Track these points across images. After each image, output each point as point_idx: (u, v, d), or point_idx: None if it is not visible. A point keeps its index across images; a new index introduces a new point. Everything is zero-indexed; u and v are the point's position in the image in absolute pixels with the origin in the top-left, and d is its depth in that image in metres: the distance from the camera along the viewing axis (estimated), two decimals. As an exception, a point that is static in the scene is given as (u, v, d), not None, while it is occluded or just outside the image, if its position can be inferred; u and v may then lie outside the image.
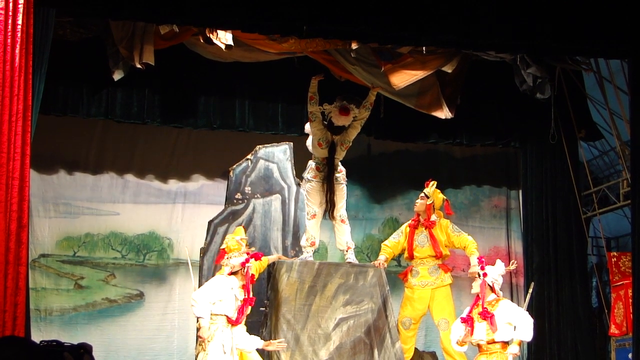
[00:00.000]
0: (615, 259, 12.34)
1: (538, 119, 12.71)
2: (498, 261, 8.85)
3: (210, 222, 10.74)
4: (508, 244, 13.69)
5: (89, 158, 12.45)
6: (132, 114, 11.83)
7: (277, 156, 11.11)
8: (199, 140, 12.76)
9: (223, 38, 10.43)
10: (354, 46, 10.85)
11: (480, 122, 12.91)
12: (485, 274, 8.59)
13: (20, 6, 7.84)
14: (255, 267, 8.88)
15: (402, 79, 11.39)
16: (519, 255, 13.24)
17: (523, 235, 13.35)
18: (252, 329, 8.80)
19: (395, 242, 10.17)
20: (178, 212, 12.73)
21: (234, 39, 10.49)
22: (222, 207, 10.93)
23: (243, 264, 8.54)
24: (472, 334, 8.45)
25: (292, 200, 11.02)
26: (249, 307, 8.59)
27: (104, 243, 12.43)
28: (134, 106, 11.79)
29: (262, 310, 9.59)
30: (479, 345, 8.49)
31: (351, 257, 9.88)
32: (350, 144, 9.96)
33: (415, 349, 10.26)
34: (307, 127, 10.03)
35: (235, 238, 8.99)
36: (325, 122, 9.76)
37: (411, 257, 10.11)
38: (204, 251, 10.57)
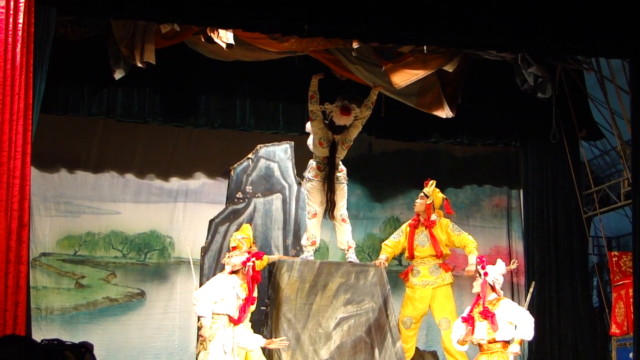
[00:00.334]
0: (616, 258, 12.33)
1: (539, 119, 12.71)
2: (499, 260, 8.84)
3: (211, 221, 10.74)
4: (509, 244, 13.68)
5: (90, 157, 12.45)
6: (133, 113, 11.83)
7: (278, 155, 11.11)
8: (200, 139, 12.76)
9: (224, 37, 10.43)
10: (355, 45, 10.85)
11: (481, 121, 12.92)
12: (486, 273, 8.58)
13: (21, 5, 7.84)
14: (257, 266, 8.88)
15: (403, 78, 11.39)
16: (519, 254, 13.24)
17: (524, 235, 13.35)
18: (253, 328, 8.81)
19: (395, 241, 10.17)
20: (179, 210, 12.73)
21: (235, 38, 10.49)
22: (223, 206, 10.93)
23: (244, 263, 8.54)
24: (472, 333, 8.44)
25: (293, 200, 11.02)
26: (252, 306, 8.59)
27: (105, 242, 12.43)
28: (134, 105, 11.80)
29: (262, 310, 9.60)
30: (479, 345, 8.48)
31: (352, 256, 9.89)
32: (351, 143, 9.97)
33: (416, 348, 10.26)
34: (308, 126, 10.03)
35: (238, 237, 9.02)
36: (326, 121, 9.76)
37: (412, 256, 10.11)
38: (204, 250, 10.57)
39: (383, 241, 10.50)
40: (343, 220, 9.93)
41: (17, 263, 7.60)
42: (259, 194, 10.93)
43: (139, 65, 10.66)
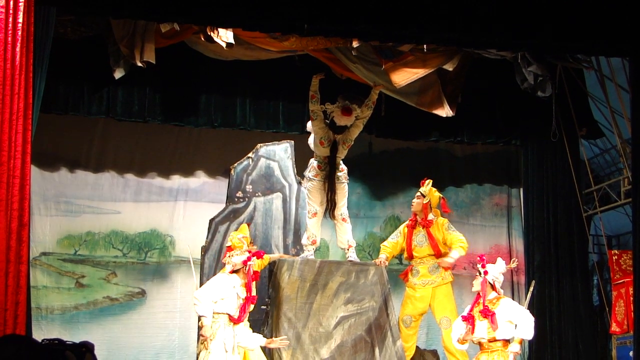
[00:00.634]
0: (616, 257, 12.33)
1: (539, 117, 12.69)
2: (499, 259, 8.83)
3: (211, 221, 10.74)
4: (509, 242, 13.68)
5: (90, 156, 12.44)
6: (133, 112, 11.83)
7: (278, 154, 11.11)
8: (200, 139, 12.76)
9: (224, 36, 10.43)
10: (355, 44, 10.86)
11: (482, 120, 12.92)
12: (486, 272, 8.57)
13: (21, 4, 7.84)
14: (257, 265, 8.88)
15: (403, 77, 11.38)
16: (520, 253, 13.23)
17: (524, 234, 13.34)
18: (254, 327, 8.80)
19: (393, 242, 10.18)
20: (179, 210, 12.73)
21: (235, 37, 10.49)
22: (224, 205, 10.93)
23: (245, 262, 8.54)
24: (473, 332, 8.44)
25: (293, 199, 11.01)
26: (252, 305, 8.59)
27: (105, 241, 12.43)
28: (135, 104, 11.79)
29: (263, 309, 9.59)
30: (480, 344, 8.48)
31: (352, 255, 9.89)
32: (352, 143, 9.96)
33: (417, 347, 10.26)
34: (309, 125, 10.03)
35: (238, 236, 8.99)
36: (327, 121, 9.76)
37: (410, 257, 10.11)
38: (205, 249, 10.57)
39: (383, 240, 10.50)
40: (343, 219, 9.93)
41: (17, 262, 7.60)
42: (259, 193, 10.93)
43: (139, 64, 10.66)
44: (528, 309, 8.66)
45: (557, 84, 12.25)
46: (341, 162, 9.91)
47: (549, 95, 11.90)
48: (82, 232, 12.33)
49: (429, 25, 9.28)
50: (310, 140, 10.02)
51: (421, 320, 10.26)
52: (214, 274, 9.32)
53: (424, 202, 10.04)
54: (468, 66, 12.00)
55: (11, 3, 7.79)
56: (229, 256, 8.66)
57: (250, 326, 8.60)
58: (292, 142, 11.24)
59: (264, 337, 8.60)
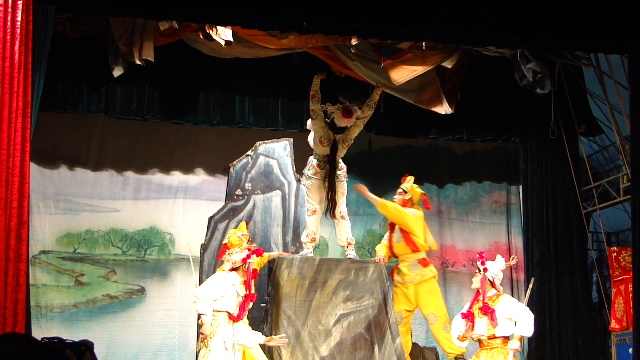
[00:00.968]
0: (615, 254, 12.32)
1: (538, 115, 12.68)
2: (499, 257, 8.85)
3: (210, 219, 10.73)
4: (508, 240, 13.67)
5: (89, 155, 12.44)
6: (133, 110, 11.82)
7: (277, 152, 11.10)
8: (200, 137, 12.76)
9: (223, 34, 10.42)
10: (354, 42, 10.85)
11: (481, 117, 12.91)
12: (485, 270, 8.59)
13: (20, 3, 7.83)
14: (257, 263, 8.88)
15: (403, 74, 11.37)
16: (519, 250, 13.23)
17: (523, 231, 13.34)
18: (253, 325, 8.80)
19: (385, 243, 10.26)
20: (179, 207, 12.73)
21: (233, 35, 10.48)
22: (223, 204, 10.92)
23: (244, 260, 8.54)
24: (473, 329, 8.45)
25: (292, 197, 11.01)
26: (251, 303, 8.59)
27: (105, 240, 12.43)
28: (134, 103, 11.79)
29: (262, 307, 9.58)
30: (479, 341, 8.49)
31: (352, 253, 9.88)
32: (352, 142, 9.96)
33: (416, 344, 10.27)
34: (309, 123, 10.02)
35: (237, 234, 8.99)
36: (327, 120, 9.75)
37: (393, 255, 10.13)
38: (204, 247, 10.56)
39: (383, 238, 10.51)
40: (342, 217, 9.92)
41: (16, 261, 7.60)
42: (259, 191, 10.92)
43: (138, 62, 10.65)
44: (528, 306, 8.67)
45: (556, 82, 12.24)
46: (341, 160, 9.91)
47: (548, 92, 11.88)
48: (81, 230, 12.33)
49: (428, 23, 9.27)
50: (310, 138, 10.01)
51: (412, 317, 10.21)
52: (214, 272, 9.31)
53: (406, 198, 10.06)
54: (467, 64, 12.00)
55: (10, 1, 7.78)
56: (229, 254, 8.66)
57: (249, 324, 8.60)
58: (292, 140, 11.23)
59: (263, 335, 8.60)
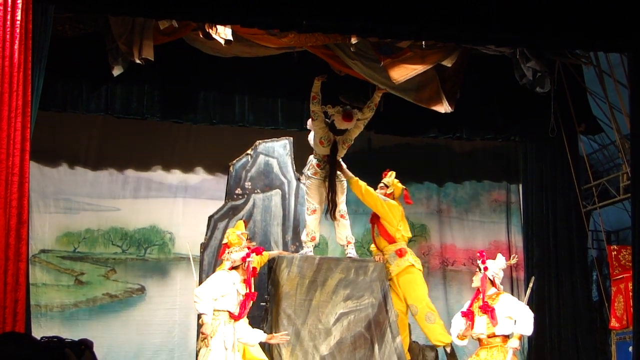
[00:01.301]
0: (615, 252, 12.31)
1: (538, 113, 12.68)
2: (499, 255, 8.84)
3: (210, 218, 10.72)
4: (508, 238, 13.68)
5: (88, 154, 12.46)
6: (132, 109, 11.82)
7: (277, 151, 11.10)
8: (199, 136, 12.77)
9: (222, 33, 10.41)
10: (354, 41, 10.83)
11: (480, 116, 12.90)
12: (486, 268, 8.59)
13: (19, 2, 7.82)
14: (256, 261, 8.88)
15: (402, 73, 11.35)
16: (519, 249, 13.23)
17: (523, 230, 13.34)
18: (253, 323, 8.80)
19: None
20: (179, 206, 12.74)
21: (233, 34, 10.47)
22: (223, 202, 10.91)
23: (244, 259, 8.53)
24: (472, 327, 8.46)
25: (292, 195, 11.01)
26: (251, 302, 8.59)
27: (104, 238, 12.44)
28: (133, 102, 11.79)
29: (262, 305, 9.59)
30: (479, 339, 8.49)
31: (351, 251, 9.88)
32: (352, 142, 9.97)
33: (417, 343, 10.25)
34: (309, 123, 10.02)
35: (236, 232, 8.98)
36: (327, 120, 9.75)
37: (377, 249, 10.14)
38: (204, 246, 10.55)
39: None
40: (342, 215, 9.92)
41: (16, 260, 7.60)
42: (258, 190, 10.92)
43: (138, 61, 10.63)
44: (527, 304, 8.66)
45: (555, 80, 12.23)
46: (340, 159, 9.91)
47: (547, 91, 11.87)
48: (81, 229, 12.35)
49: (428, 22, 9.27)
50: (310, 137, 10.02)
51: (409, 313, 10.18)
52: (213, 271, 9.30)
53: (387, 192, 10.08)
54: (466, 62, 11.97)
55: (9, 0, 7.78)
56: (228, 252, 8.65)
57: (249, 323, 8.59)
58: (291, 138, 11.23)
59: (264, 333, 8.60)
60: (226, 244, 8.88)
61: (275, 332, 8.79)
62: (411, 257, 9.99)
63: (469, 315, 8.52)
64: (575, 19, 9.26)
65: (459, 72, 11.99)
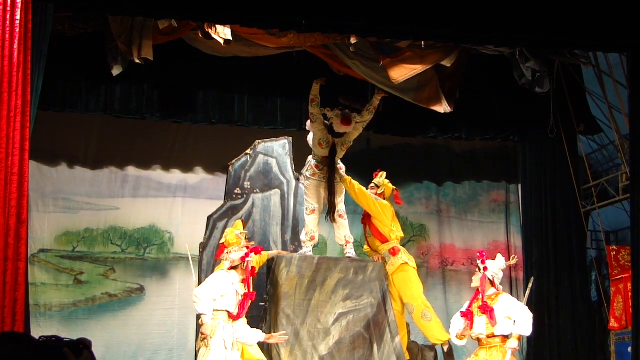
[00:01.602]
0: (614, 252, 12.32)
1: (537, 113, 12.68)
2: (499, 255, 8.83)
3: (209, 217, 10.71)
4: (507, 239, 13.68)
5: (88, 153, 12.46)
6: (131, 109, 11.80)
7: (276, 151, 11.09)
8: (198, 135, 12.76)
9: (222, 33, 10.40)
10: (353, 40, 10.83)
11: (479, 116, 12.89)
12: (485, 268, 8.58)
13: (19, 1, 7.83)
14: (256, 261, 8.87)
15: (401, 73, 11.35)
16: (518, 249, 13.24)
17: (522, 230, 13.34)
18: (252, 324, 8.79)
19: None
20: (178, 206, 12.75)
21: (232, 33, 10.47)
22: (222, 202, 10.91)
23: (243, 259, 8.51)
24: (471, 327, 8.45)
25: (291, 195, 11.00)
26: (250, 302, 8.58)
27: (104, 238, 12.44)
28: (132, 101, 11.77)
29: (261, 305, 9.58)
30: (478, 339, 8.49)
31: (350, 251, 9.88)
32: (351, 144, 9.97)
33: (416, 343, 10.25)
34: (308, 124, 10.01)
35: (235, 232, 8.97)
36: (327, 122, 9.75)
37: (371, 249, 10.13)
38: (203, 246, 10.54)
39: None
40: (340, 215, 9.92)
41: (15, 260, 7.60)
42: (258, 190, 10.91)
43: (137, 61, 10.62)
44: (527, 305, 8.66)
45: (555, 80, 12.23)
46: (339, 160, 9.91)
47: (546, 91, 11.88)
48: (80, 228, 12.34)
49: (427, 22, 9.27)
50: (309, 138, 10.02)
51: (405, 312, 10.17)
52: (212, 271, 9.28)
53: (378, 192, 10.07)
54: (466, 62, 11.97)
55: (9, 0, 7.77)
56: (227, 252, 8.63)
57: (247, 323, 8.58)
58: (290, 138, 11.22)
59: (262, 332, 8.59)
60: (223, 243, 8.87)
61: (274, 332, 8.78)
62: (404, 255, 9.97)
63: (468, 315, 8.51)
64: (575, 19, 9.27)
65: (458, 72, 11.99)
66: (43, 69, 8.36)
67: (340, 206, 9.94)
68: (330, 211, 9.78)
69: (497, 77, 12.50)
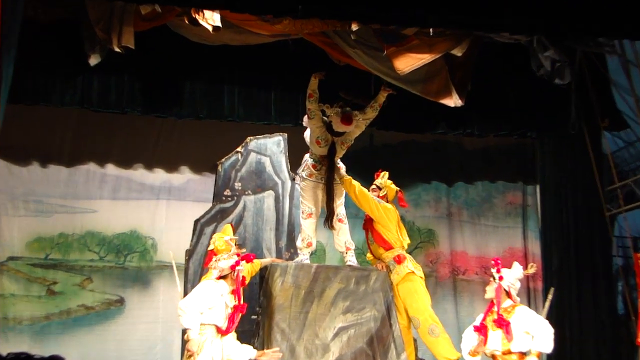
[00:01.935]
0: (642, 260, 12.32)
1: (557, 107, 12.68)
2: (515, 264, 8.80)
3: (196, 222, 10.72)
4: (525, 245, 13.71)
5: (62, 151, 12.48)
6: (110, 102, 11.79)
7: (269, 148, 11.10)
8: (184, 131, 12.79)
9: (210, 19, 10.40)
10: (354, 27, 10.82)
11: (494, 110, 12.89)
12: (501, 278, 8.54)
13: (-14, -17, 7.79)
14: (247, 270, 8.83)
15: (407, 63, 11.34)
16: (536, 256, 13.27)
17: (541, 235, 13.37)
18: (243, 338, 8.76)
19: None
20: (162, 209, 12.77)
21: (222, 19, 10.46)
22: (210, 205, 10.90)
23: (233, 267, 8.49)
24: (485, 343, 8.42)
25: (286, 197, 11.00)
26: (240, 315, 8.55)
27: (80, 244, 12.45)
28: (112, 94, 11.76)
29: (253, 319, 9.55)
30: (493, 356, 8.46)
31: (351, 259, 9.85)
32: (352, 142, 9.92)
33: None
34: (305, 119, 9.98)
35: (224, 238, 8.94)
36: (325, 118, 9.71)
37: (374, 257, 10.12)
38: (189, 253, 10.55)
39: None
40: (340, 220, 9.88)
41: (-19, 269, 7.57)
42: (249, 191, 10.92)
43: (117, 49, 10.64)
44: (546, 318, 8.63)
45: (576, 71, 12.24)
46: (339, 160, 9.86)
47: (567, 82, 11.88)
48: (54, 233, 12.36)
49: (436, 6, 9.23)
50: (306, 135, 9.98)
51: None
52: (200, 280, 9.27)
53: (380, 194, 10.05)
54: (478, 51, 11.97)
55: (-26, -18, 7.74)
56: (215, 260, 8.61)
57: (237, 337, 8.55)
58: (285, 135, 11.23)
59: (254, 349, 8.56)
60: (212, 250, 8.85)
61: (267, 349, 8.75)
62: (410, 264, 9.94)
63: (481, 329, 8.49)
64: (599, 3, 9.23)
65: (469, 62, 11.99)
66: (13, 59, 8.32)
67: (340, 209, 9.90)
68: (328, 217, 9.74)
69: (513, 68, 12.51)
